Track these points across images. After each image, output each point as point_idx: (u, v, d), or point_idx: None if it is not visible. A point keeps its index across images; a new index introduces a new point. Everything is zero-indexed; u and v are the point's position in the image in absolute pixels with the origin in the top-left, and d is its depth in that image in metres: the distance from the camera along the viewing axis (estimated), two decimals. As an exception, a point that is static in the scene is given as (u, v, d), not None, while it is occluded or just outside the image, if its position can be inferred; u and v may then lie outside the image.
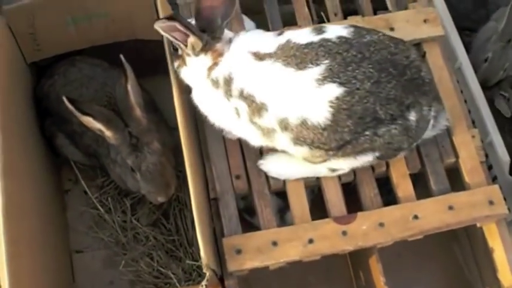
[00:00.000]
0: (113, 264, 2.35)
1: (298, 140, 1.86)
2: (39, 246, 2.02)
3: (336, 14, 2.34)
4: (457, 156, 2.10)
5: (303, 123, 1.80)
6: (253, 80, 1.86)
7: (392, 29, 2.24)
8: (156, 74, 2.36)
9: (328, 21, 2.34)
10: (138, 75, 2.12)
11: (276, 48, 1.85)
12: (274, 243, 1.93)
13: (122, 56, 2.05)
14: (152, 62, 2.35)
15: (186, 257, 2.25)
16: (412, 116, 1.83)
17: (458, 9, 2.60)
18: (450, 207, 1.99)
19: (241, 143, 2.08)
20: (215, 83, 1.91)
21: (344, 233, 1.95)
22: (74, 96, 2.03)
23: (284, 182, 2.04)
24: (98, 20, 2.23)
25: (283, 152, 1.98)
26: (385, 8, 2.41)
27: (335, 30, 1.86)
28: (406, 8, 2.35)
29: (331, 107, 1.77)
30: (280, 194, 2.09)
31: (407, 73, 1.83)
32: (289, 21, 2.34)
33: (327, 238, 1.94)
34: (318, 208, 2.05)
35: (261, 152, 2.07)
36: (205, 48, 1.91)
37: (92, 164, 2.35)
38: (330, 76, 1.76)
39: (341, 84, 1.76)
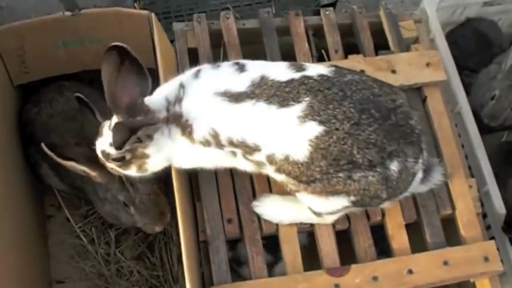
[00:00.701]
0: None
1: (279, 170, 1.79)
2: (18, 276, 1.94)
3: (336, 51, 2.28)
4: (453, 208, 2.06)
5: (286, 158, 1.74)
6: (239, 126, 1.75)
7: (394, 72, 2.19)
8: None
9: (329, 58, 2.27)
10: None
11: (250, 87, 1.74)
12: (265, 294, 1.88)
13: (81, 95, 1.94)
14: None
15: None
16: (394, 166, 1.75)
17: (461, 48, 2.55)
18: (445, 263, 1.95)
19: (234, 185, 2.02)
20: (206, 142, 1.77)
21: (337, 286, 1.90)
22: (60, 129, 1.95)
23: (277, 227, 1.98)
24: (90, 45, 2.15)
25: (277, 194, 1.94)
26: (386, 44, 2.37)
27: (316, 68, 1.79)
28: (408, 49, 2.31)
29: (310, 145, 1.70)
30: (270, 246, 2.04)
31: (391, 117, 1.74)
32: (288, 53, 2.28)
33: (319, 291, 1.89)
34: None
35: (254, 195, 2.01)
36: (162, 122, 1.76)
37: (77, 195, 2.27)
38: (311, 114, 1.70)
39: (321, 122, 1.69)
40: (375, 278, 1.91)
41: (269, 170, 1.84)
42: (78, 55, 2.17)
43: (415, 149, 1.79)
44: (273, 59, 2.23)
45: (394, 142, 1.73)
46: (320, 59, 2.32)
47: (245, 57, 2.23)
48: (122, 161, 1.80)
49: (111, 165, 1.82)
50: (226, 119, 1.75)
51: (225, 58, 2.27)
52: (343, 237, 2.03)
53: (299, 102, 1.71)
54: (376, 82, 1.81)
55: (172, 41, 2.29)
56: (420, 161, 1.82)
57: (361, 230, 2.00)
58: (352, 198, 1.78)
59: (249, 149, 1.77)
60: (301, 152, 1.72)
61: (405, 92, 2.18)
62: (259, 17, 2.32)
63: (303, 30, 2.30)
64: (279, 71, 1.77)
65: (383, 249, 2.04)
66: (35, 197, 2.32)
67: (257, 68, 1.79)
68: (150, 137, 1.76)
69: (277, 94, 1.72)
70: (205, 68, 1.84)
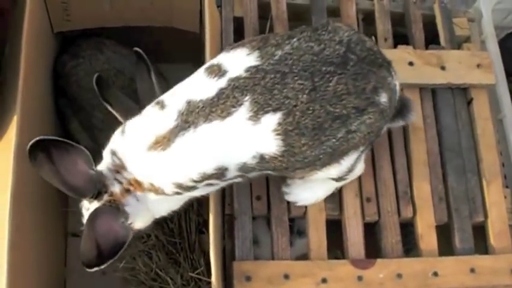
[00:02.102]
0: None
1: (265, 170, 1.68)
2: (40, 231, 1.90)
3: (386, 40, 2.21)
4: (486, 216, 2.02)
5: (262, 159, 1.60)
6: (191, 162, 1.60)
7: (443, 68, 2.13)
8: (172, 62, 2.28)
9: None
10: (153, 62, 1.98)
11: (180, 117, 1.58)
12: (286, 276, 1.83)
13: (140, 51, 1.85)
14: (169, 49, 2.26)
15: (186, 263, 2.14)
16: (383, 97, 1.65)
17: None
18: (472, 270, 1.91)
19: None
20: (179, 192, 1.65)
21: (360, 278, 1.86)
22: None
23: (305, 211, 1.94)
24: (135, 1, 2.08)
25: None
26: (434, 39, 2.30)
27: (237, 63, 1.61)
28: (459, 47, 2.24)
29: (277, 135, 1.57)
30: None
31: (350, 57, 1.61)
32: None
33: (341, 280, 1.85)
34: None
35: (285, 177, 1.97)
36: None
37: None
38: (260, 109, 1.56)
39: (275, 110, 1.56)
40: (399, 276, 1.87)
41: (258, 173, 1.72)
42: (122, 10, 2.09)
43: (386, 66, 1.70)
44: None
45: (370, 76, 1.63)
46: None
47: (292, 33, 2.18)
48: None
49: None
50: (176, 165, 1.60)
51: (271, 31, 2.21)
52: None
53: (241, 105, 1.56)
54: (312, 38, 1.64)
55: (218, 7, 2.23)
56: (393, 73, 1.73)
57: (391, 225, 1.95)
58: (362, 147, 1.70)
59: (218, 173, 1.63)
60: (272, 146, 1.59)
61: (451, 91, 2.15)
62: (310, -6, 2.26)
63: (354, 13, 2.23)
64: (202, 87, 1.61)
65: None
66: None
67: (176, 96, 1.64)
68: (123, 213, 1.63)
69: (214, 110, 1.57)
70: (129, 122, 1.68)
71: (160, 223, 2.25)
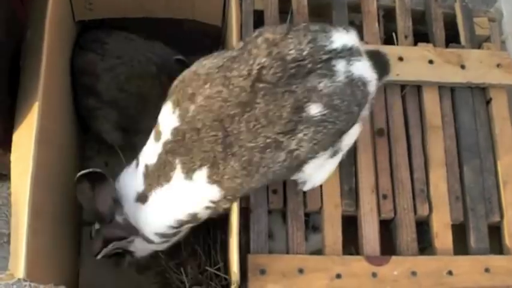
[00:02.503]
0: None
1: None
2: (57, 219, 1.92)
3: (406, 37, 2.21)
4: (502, 216, 2.01)
5: (215, 203, 1.70)
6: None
7: (463, 67, 2.13)
8: (192, 53, 2.17)
9: (397, 43, 2.20)
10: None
11: (144, 180, 1.77)
12: (301, 271, 1.84)
13: (182, 58, 1.94)
14: (188, 41, 2.24)
15: (204, 256, 2.14)
16: (314, 109, 1.56)
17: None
18: (486, 270, 1.91)
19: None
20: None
21: (374, 274, 1.86)
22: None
23: (321, 206, 1.95)
24: (159, -8, 2.09)
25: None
26: (454, 38, 2.29)
27: (166, 125, 1.67)
28: (479, 46, 2.24)
29: (212, 184, 1.64)
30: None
31: (259, 88, 1.56)
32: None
33: (355, 276, 1.86)
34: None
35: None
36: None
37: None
38: (188, 169, 1.64)
39: (200, 166, 1.63)
40: (414, 273, 1.88)
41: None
42: (144, 1, 2.10)
43: (320, 67, 1.58)
44: (340, 35, 2.17)
45: (286, 98, 1.56)
46: (387, 42, 2.24)
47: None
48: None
49: None
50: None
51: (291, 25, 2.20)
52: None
53: (175, 168, 1.66)
54: (223, 80, 1.61)
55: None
56: (336, 66, 1.59)
57: (407, 222, 1.96)
58: (324, 151, 1.66)
59: (191, 219, 1.79)
60: (214, 192, 1.66)
61: (470, 90, 2.14)
62: (331, -11, 2.26)
63: (375, 10, 2.23)
64: (151, 152, 1.74)
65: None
66: (78, 137, 2.29)
67: (142, 158, 1.79)
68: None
69: (160, 174, 1.71)
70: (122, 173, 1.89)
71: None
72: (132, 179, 1.81)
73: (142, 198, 1.77)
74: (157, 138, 1.70)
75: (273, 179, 1.69)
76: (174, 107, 1.65)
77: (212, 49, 2.14)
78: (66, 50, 2.10)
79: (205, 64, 1.67)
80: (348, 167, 1.99)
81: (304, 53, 1.58)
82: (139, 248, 1.93)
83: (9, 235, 2.21)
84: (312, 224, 2.11)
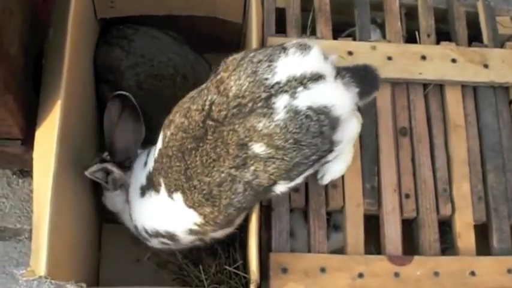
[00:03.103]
0: (143, 242, 2.24)
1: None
2: (78, 216, 1.93)
3: (429, 36, 2.19)
4: (525, 217, 2.00)
5: (198, 225, 1.77)
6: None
7: (486, 66, 2.11)
8: (209, 50, 2.26)
9: (420, 41, 2.19)
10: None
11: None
12: (323, 270, 1.83)
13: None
14: (206, 38, 2.25)
15: (224, 254, 2.14)
16: (257, 148, 1.57)
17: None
18: (509, 271, 1.89)
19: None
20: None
21: (396, 274, 1.85)
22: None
23: (343, 205, 1.94)
24: (181, -10, 2.09)
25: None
26: (476, 37, 2.27)
27: (157, 146, 1.77)
28: (502, 45, 2.22)
29: (188, 208, 1.72)
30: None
31: (210, 126, 1.61)
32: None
33: (377, 276, 1.85)
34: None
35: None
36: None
37: None
38: (169, 189, 1.73)
39: (175, 190, 1.72)
40: (436, 274, 1.86)
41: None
42: (167, -2, 2.12)
43: (261, 106, 1.56)
44: (362, 33, 2.16)
45: (230, 137, 1.59)
46: (409, 40, 2.23)
47: (334, 26, 2.17)
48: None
49: None
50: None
51: (313, 24, 2.20)
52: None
53: (161, 186, 1.75)
54: (184, 111, 1.68)
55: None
56: (277, 103, 1.56)
57: (429, 222, 1.94)
58: (288, 174, 1.63)
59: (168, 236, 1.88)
60: (193, 216, 1.74)
61: (493, 90, 2.13)
62: (354, -13, 2.25)
63: (397, 8, 2.21)
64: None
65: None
66: (98, 136, 2.29)
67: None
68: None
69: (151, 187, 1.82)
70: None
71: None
72: (141, 172, 1.88)
73: (141, 192, 1.86)
74: (154, 153, 1.79)
75: (245, 206, 1.71)
76: (162, 130, 1.75)
77: (232, 47, 2.17)
78: (88, 48, 2.12)
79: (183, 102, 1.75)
80: (371, 165, 1.97)
81: (243, 88, 1.58)
82: (113, 200, 1.99)
83: (30, 231, 2.22)
84: (334, 222, 2.10)
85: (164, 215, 1.81)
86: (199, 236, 1.86)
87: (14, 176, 2.33)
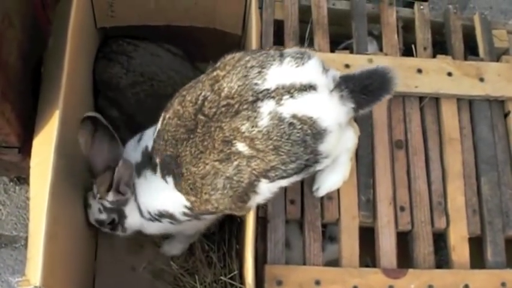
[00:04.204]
0: (138, 250, 2.26)
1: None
2: (74, 225, 1.93)
3: (425, 49, 2.21)
4: (519, 230, 2.01)
5: (187, 208, 1.80)
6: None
7: (481, 80, 2.13)
8: (208, 61, 2.16)
9: (416, 54, 2.20)
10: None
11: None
12: (317, 283, 1.84)
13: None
14: (205, 49, 2.26)
15: (220, 264, 2.14)
16: (241, 147, 1.61)
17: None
18: (503, 284, 1.91)
19: (303, 167, 1.98)
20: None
21: (391, 287, 1.86)
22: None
23: (339, 217, 1.95)
24: (181, 0, 2.10)
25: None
26: (475, 50, 2.29)
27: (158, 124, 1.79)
28: (498, 59, 2.23)
29: (179, 191, 1.75)
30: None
31: (200, 120, 1.65)
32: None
33: (372, 289, 1.86)
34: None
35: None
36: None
37: None
38: (163, 171, 1.76)
39: (168, 173, 1.74)
40: (431, 287, 1.87)
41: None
42: (166, 9, 2.12)
43: (246, 108, 1.61)
44: (359, 45, 2.17)
45: (217, 133, 1.63)
46: (406, 53, 2.24)
47: (332, 38, 2.19)
48: (112, 224, 1.92)
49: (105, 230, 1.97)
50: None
51: (311, 35, 2.21)
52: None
53: (156, 165, 1.78)
54: (181, 99, 1.72)
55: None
56: (263, 107, 1.60)
57: (424, 235, 1.95)
58: (275, 172, 1.65)
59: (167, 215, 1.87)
60: (183, 200, 1.76)
61: (489, 103, 2.14)
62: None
63: (394, 21, 2.23)
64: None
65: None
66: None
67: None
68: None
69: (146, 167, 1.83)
70: None
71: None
72: (134, 150, 1.88)
73: (137, 171, 1.84)
74: (154, 132, 1.81)
75: (221, 208, 1.74)
76: (164, 111, 1.78)
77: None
78: (88, 57, 2.12)
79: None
80: (366, 178, 1.99)
81: (233, 90, 1.63)
82: (131, 217, 1.91)
83: (26, 238, 2.22)
84: (329, 234, 2.11)
85: (161, 195, 1.81)
86: (193, 218, 1.87)
87: (11, 183, 2.34)
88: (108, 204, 1.87)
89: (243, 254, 1.91)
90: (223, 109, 1.63)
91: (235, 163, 1.63)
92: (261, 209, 1.93)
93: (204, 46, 2.27)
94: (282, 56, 1.65)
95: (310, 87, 1.62)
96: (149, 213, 1.87)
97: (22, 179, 2.33)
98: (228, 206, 1.73)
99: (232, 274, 2.04)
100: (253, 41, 1.94)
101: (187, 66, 2.24)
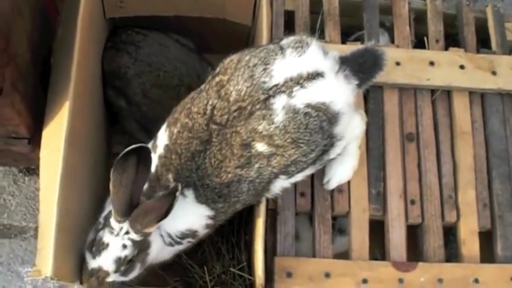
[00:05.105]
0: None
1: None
2: (84, 217, 1.92)
3: (437, 41, 2.19)
4: (530, 224, 2.00)
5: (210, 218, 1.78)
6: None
7: (494, 73, 2.11)
8: (217, 52, 2.13)
9: (428, 47, 2.18)
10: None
11: None
12: (327, 275, 1.84)
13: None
14: (214, 39, 2.27)
15: (228, 255, 2.14)
16: (260, 147, 1.62)
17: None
18: (513, 278, 1.90)
19: (313, 159, 1.97)
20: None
21: (400, 280, 1.86)
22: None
23: (349, 210, 1.94)
24: (192, -9, 2.09)
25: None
26: (487, 43, 2.27)
27: (160, 140, 1.75)
28: (511, 52, 2.21)
29: (199, 204, 1.72)
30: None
31: (213, 129, 1.64)
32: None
33: (381, 282, 1.85)
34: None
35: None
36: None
37: None
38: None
39: (187, 186, 1.69)
40: (440, 280, 1.87)
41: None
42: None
43: (260, 107, 1.61)
44: (371, 37, 2.15)
45: (234, 138, 1.64)
46: (417, 45, 2.22)
47: (343, 30, 2.17)
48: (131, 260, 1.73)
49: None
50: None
51: (322, 27, 2.20)
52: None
53: (170, 182, 1.71)
54: (187, 112, 1.70)
55: (269, 0, 2.22)
56: (277, 102, 1.61)
57: (434, 229, 1.95)
58: (296, 167, 1.69)
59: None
60: (204, 210, 1.74)
61: (501, 97, 2.12)
62: (363, -9, 2.24)
63: (406, 13, 2.21)
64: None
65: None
66: (106, 135, 2.30)
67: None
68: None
69: (156, 187, 1.73)
70: None
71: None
72: None
73: (147, 196, 1.74)
74: (154, 150, 1.76)
75: (249, 202, 1.77)
76: (166, 126, 1.75)
77: (241, 49, 2.17)
78: (97, 47, 2.11)
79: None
80: (377, 171, 1.98)
81: (242, 93, 1.63)
82: (155, 244, 1.77)
83: (36, 229, 2.23)
84: (338, 226, 2.11)
85: (182, 213, 1.71)
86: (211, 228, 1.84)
87: (20, 174, 2.34)
88: (137, 237, 1.67)
89: (252, 245, 1.91)
90: (235, 114, 1.63)
91: (256, 166, 1.65)
92: (271, 202, 1.93)
93: (214, 37, 2.26)
94: (282, 49, 1.66)
95: (317, 75, 1.63)
96: (170, 236, 1.78)
97: (31, 169, 2.34)
98: (253, 201, 1.77)
99: (241, 265, 2.05)
100: (264, 32, 1.92)
101: (195, 57, 2.24)
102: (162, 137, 1.76)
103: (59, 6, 2.11)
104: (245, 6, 2.09)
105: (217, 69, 1.71)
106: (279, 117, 1.60)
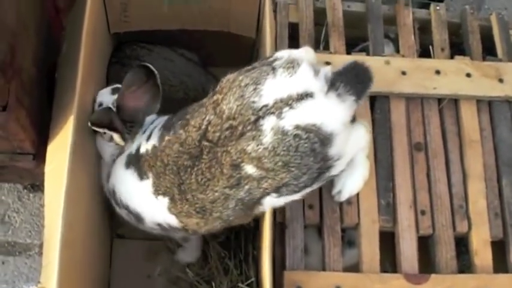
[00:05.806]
0: (154, 257, 2.23)
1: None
2: (89, 232, 1.90)
3: (443, 50, 2.18)
4: (542, 234, 1.97)
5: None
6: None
7: (501, 81, 2.09)
8: (221, 65, 2.15)
9: (433, 56, 2.17)
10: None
11: None
12: (338, 288, 1.81)
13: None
14: (218, 52, 2.27)
15: (236, 271, 2.11)
16: (249, 169, 1.59)
17: None
18: (527, 288, 1.87)
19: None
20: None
21: (413, 292, 1.83)
22: None
23: (358, 221, 1.91)
24: (194, 4, 2.08)
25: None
26: (492, 51, 2.25)
27: (153, 137, 1.78)
28: (517, 60, 2.20)
29: (171, 214, 1.75)
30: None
31: (205, 146, 1.63)
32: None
33: (393, 294, 1.82)
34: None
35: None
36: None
37: None
38: (156, 189, 1.74)
39: (163, 194, 1.73)
40: (454, 292, 1.84)
41: None
42: (180, 13, 2.10)
43: (250, 129, 1.59)
44: (375, 47, 2.15)
45: (224, 157, 1.62)
46: (422, 55, 2.21)
47: (348, 41, 2.16)
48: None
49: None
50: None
51: (326, 38, 2.19)
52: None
53: (148, 178, 1.75)
54: (184, 123, 1.71)
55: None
56: (267, 124, 1.58)
57: (445, 239, 1.91)
58: (287, 188, 1.64)
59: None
60: (173, 220, 1.77)
61: (509, 104, 2.11)
62: (366, 1, 2.24)
63: (410, 22, 2.21)
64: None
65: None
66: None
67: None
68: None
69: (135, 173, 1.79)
70: None
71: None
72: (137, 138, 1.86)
73: (127, 162, 1.83)
74: (148, 139, 1.79)
75: (231, 219, 1.74)
76: (164, 128, 1.77)
77: (245, 61, 2.16)
78: (101, 62, 2.11)
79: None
80: (386, 181, 1.95)
81: (233, 111, 1.61)
82: (102, 147, 1.92)
83: (40, 246, 2.21)
84: (348, 238, 2.08)
85: (142, 200, 1.80)
86: (164, 232, 1.88)
87: (25, 191, 2.32)
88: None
89: (260, 260, 1.88)
90: (227, 133, 1.61)
91: (246, 187, 1.62)
92: (279, 214, 1.90)
93: (218, 50, 2.26)
94: (274, 69, 1.63)
95: (306, 95, 1.59)
96: (119, 199, 1.87)
97: (36, 186, 2.32)
98: (238, 216, 1.73)
99: (249, 281, 2.01)
100: (268, 44, 1.91)
101: (200, 71, 2.23)
102: (154, 137, 1.77)
103: (63, 21, 2.11)
104: (249, 18, 2.09)
105: (217, 87, 1.70)
106: (267, 138, 1.56)
